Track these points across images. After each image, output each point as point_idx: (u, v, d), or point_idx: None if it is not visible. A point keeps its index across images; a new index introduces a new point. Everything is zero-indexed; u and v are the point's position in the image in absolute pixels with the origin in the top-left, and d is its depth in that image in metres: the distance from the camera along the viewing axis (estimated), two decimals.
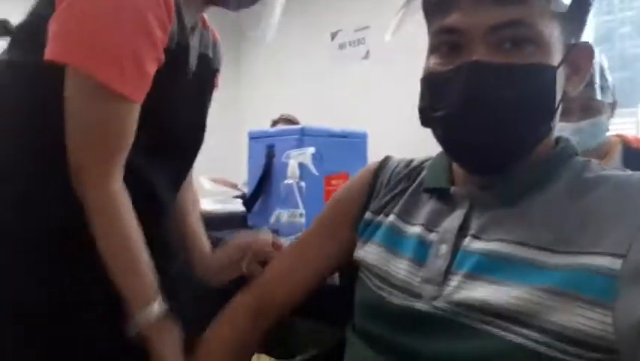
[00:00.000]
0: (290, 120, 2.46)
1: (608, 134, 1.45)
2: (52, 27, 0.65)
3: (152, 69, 0.69)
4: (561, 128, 1.38)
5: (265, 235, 0.84)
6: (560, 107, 0.55)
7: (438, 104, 0.55)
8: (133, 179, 0.71)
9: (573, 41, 0.55)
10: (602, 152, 1.44)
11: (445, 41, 0.55)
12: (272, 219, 1.14)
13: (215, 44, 0.95)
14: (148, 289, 0.69)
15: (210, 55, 0.92)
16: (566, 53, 0.54)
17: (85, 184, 0.67)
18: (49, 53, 0.64)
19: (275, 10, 0.87)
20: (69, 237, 0.68)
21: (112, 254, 0.68)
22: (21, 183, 0.69)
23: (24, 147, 0.69)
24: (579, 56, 0.56)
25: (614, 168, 0.55)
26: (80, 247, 0.68)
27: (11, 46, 0.74)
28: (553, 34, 0.52)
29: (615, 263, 0.44)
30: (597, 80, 1.35)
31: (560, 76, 0.53)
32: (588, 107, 1.36)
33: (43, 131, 0.68)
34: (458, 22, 0.52)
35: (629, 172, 0.53)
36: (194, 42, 0.85)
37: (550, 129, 0.56)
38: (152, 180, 0.79)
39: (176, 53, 0.74)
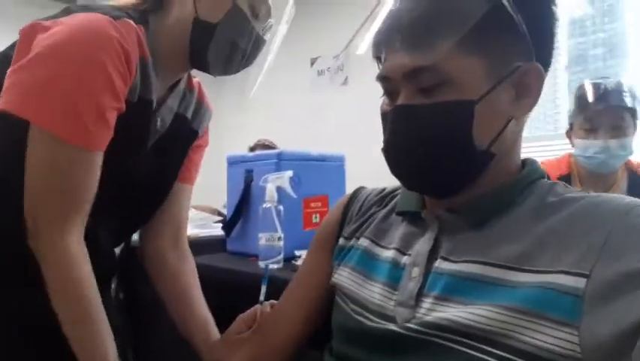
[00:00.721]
0: (267, 146, 2.48)
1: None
2: (12, 78, 0.65)
3: (113, 118, 0.69)
4: (587, 146, 1.41)
5: (266, 307, 0.83)
6: (514, 130, 0.58)
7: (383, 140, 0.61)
8: None
9: (521, 63, 0.55)
10: (611, 181, 1.47)
11: (384, 87, 0.61)
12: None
13: (199, 106, 0.95)
14: (104, 356, 0.68)
15: (189, 116, 0.92)
16: (499, 79, 0.54)
17: (42, 243, 0.66)
18: (6, 104, 0.63)
19: (262, 71, 0.90)
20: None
21: (66, 316, 0.67)
22: None
23: None
24: (528, 78, 0.56)
25: (578, 190, 0.57)
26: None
27: None
28: (468, 68, 0.53)
29: (579, 282, 0.45)
30: (628, 96, 1.37)
31: (492, 103, 0.54)
32: (617, 127, 1.38)
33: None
34: (386, 70, 0.59)
35: (594, 194, 0.54)
36: (171, 101, 0.87)
37: (488, 156, 0.56)
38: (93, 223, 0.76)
39: (136, 106, 0.74)
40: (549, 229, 0.51)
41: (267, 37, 0.87)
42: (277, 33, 0.89)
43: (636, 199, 0.50)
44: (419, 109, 0.56)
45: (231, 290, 1.23)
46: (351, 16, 3.18)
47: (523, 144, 0.62)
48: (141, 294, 1.60)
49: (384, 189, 0.76)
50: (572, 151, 1.53)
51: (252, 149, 2.54)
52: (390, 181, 0.79)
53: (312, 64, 3.48)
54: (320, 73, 3.42)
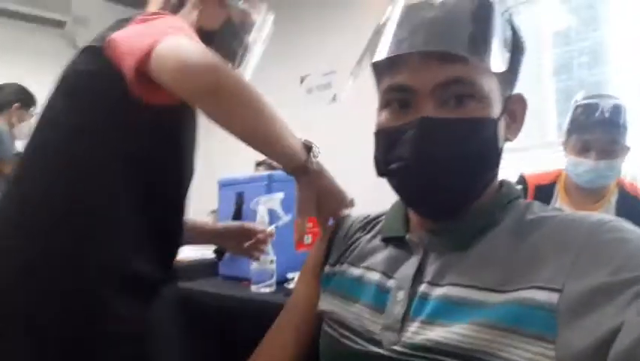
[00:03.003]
0: (273, 166, 2.48)
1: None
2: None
3: None
4: (578, 163, 1.44)
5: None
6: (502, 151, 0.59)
7: (391, 157, 0.58)
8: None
9: (509, 92, 0.61)
10: (600, 195, 1.50)
11: (395, 98, 0.58)
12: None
13: None
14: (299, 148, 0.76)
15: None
16: (504, 104, 0.59)
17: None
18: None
19: (251, 64, 1.03)
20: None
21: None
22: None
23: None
24: (515, 106, 0.62)
25: (554, 209, 0.59)
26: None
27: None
28: (492, 88, 0.56)
29: (552, 297, 0.46)
30: (622, 122, 1.39)
31: (501, 125, 0.58)
32: (609, 151, 1.41)
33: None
34: (407, 80, 0.56)
35: (568, 212, 0.56)
36: None
37: (496, 175, 0.61)
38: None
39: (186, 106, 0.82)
40: (528, 250, 0.52)
41: (252, 45, 1.02)
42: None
43: (605, 216, 0.52)
44: (451, 123, 0.54)
45: (227, 317, 1.22)
46: (339, 34, 3.22)
47: (511, 155, 0.64)
48: None
49: (368, 216, 0.76)
50: (564, 166, 1.56)
51: (258, 164, 2.55)
52: (379, 199, 0.80)
53: (301, 82, 3.50)
54: (309, 91, 3.44)
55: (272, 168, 2.42)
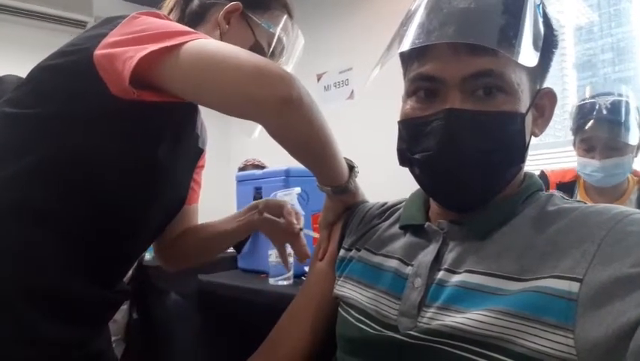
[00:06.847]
0: (257, 165, 2.50)
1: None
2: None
3: None
4: (585, 164, 1.44)
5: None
6: (529, 146, 0.59)
7: (416, 147, 0.58)
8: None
9: (538, 87, 0.60)
10: (619, 192, 1.48)
11: (422, 87, 0.58)
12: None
13: (202, 125, 0.96)
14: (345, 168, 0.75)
15: (200, 134, 0.93)
16: (533, 98, 0.58)
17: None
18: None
19: None
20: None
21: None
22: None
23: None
24: (544, 100, 0.61)
25: (575, 201, 0.58)
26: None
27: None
28: (522, 82, 0.56)
29: (573, 287, 0.46)
30: (622, 119, 1.38)
31: (529, 120, 0.58)
32: (613, 148, 1.39)
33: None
34: (435, 70, 0.56)
35: (589, 204, 0.56)
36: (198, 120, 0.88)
37: (520, 169, 0.60)
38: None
39: (187, 105, 0.76)
40: (547, 240, 0.52)
41: None
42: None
43: (628, 208, 0.51)
44: (478, 116, 0.54)
45: (245, 308, 1.23)
46: (354, 31, 3.22)
47: (535, 152, 0.63)
48: (154, 313, 1.61)
49: (385, 203, 0.77)
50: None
51: (241, 169, 2.55)
52: (396, 194, 0.80)
53: (318, 80, 3.50)
54: (326, 88, 3.45)
55: (257, 167, 2.43)
